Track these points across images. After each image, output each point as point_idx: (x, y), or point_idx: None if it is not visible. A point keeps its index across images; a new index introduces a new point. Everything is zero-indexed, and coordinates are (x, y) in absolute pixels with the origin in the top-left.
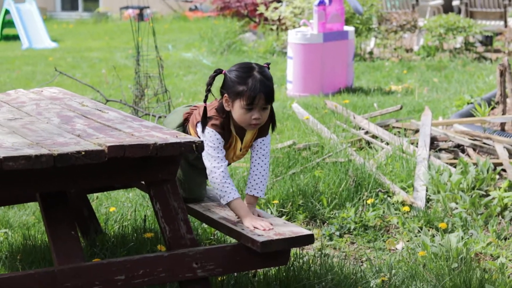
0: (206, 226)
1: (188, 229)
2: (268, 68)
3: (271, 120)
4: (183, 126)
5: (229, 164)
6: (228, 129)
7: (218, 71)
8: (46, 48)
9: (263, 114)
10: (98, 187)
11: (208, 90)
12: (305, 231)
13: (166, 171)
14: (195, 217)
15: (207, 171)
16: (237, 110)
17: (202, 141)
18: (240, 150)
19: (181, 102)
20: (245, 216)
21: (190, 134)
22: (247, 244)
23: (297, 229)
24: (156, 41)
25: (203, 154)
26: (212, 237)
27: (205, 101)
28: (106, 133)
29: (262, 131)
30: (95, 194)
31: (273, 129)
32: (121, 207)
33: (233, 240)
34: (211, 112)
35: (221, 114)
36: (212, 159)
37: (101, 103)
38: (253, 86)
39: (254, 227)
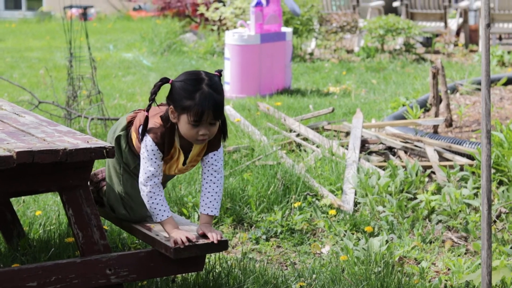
0: None
1: (101, 235)
2: (220, 76)
3: (222, 131)
4: (127, 130)
5: (171, 177)
6: (170, 140)
7: (164, 80)
8: None
9: (211, 129)
10: (12, 192)
11: (152, 99)
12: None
13: (78, 176)
14: (108, 220)
15: (139, 183)
16: (183, 125)
17: (112, 147)
18: (184, 164)
19: (116, 104)
20: (170, 232)
21: (132, 138)
22: (161, 250)
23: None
24: (90, 42)
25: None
26: (137, 241)
27: (147, 110)
28: (18, 138)
29: (212, 145)
30: (22, 198)
31: (224, 139)
32: (48, 211)
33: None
34: (154, 119)
35: (165, 123)
36: (143, 171)
37: (19, 107)
38: (201, 102)
39: (175, 242)
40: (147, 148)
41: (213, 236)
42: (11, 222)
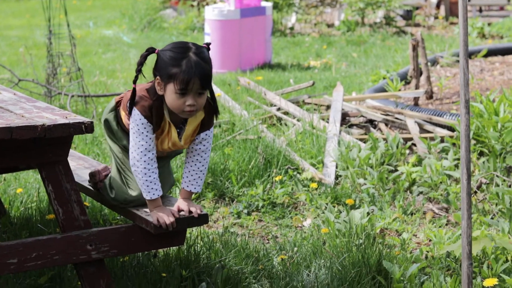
0: None
1: (81, 210)
2: (208, 49)
3: (214, 108)
4: (116, 111)
5: (166, 154)
6: (158, 113)
7: (151, 50)
8: None
9: (198, 100)
10: None
11: (139, 71)
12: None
13: (57, 152)
14: (91, 197)
15: (130, 160)
16: (170, 95)
17: (91, 122)
18: (181, 140)
19: (96, 81)
20: (151, 210)
21: (122, 118)
22: (142, 225)
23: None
24: (70, 20)
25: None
26: (118, 217)
27: (134, 82)
28: None
29: (206, 124)
30: (3, 176)
31: (216, 117)
32: (29, 188)
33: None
34: (140, 93)
35: (151, 96)
36: (136, 147)
37: None
38: (187, 69)
39: (158, 221)
40: (136, 122)
41: (194, 210)
42: None
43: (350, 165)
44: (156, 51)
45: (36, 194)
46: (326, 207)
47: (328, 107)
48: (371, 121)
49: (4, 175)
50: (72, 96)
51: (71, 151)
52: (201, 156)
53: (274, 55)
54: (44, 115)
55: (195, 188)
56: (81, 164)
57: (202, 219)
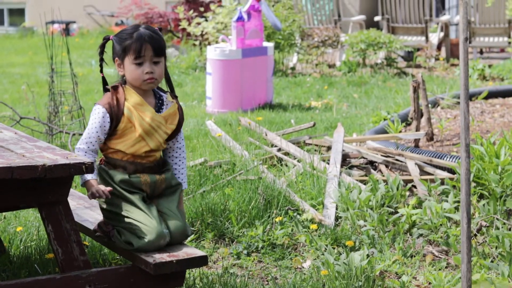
0: None
1: (81, 251)
2: (160, 30)
3: (169, 86)
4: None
5: (153, 160)
6: (118, 103)
7: (107, 38)
8: None
9: (155, 69)
10: None
11: (101, 59)
12: (199, 253)
13: (57, 192)
14: (89, 236)
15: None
16: (128, 69)
17: (92, 162)
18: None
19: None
20: (88, 190)
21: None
22: (141, 266)
23: (191, 251)
24: (72, 57)
25: None
26: (118, 257)
27: (100, 71)
28: None
29: (180, 118)
30: (3, 214)
31: (171, 90)
32: (29, 227)
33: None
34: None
35: (114, 89)
36: (86, 132)
37: None
38: (138, 37)
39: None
40: (93, 113)
41: None
42: None
43: (350, 207)
44: (111, 37)
45: (36, 232)
46: (326, 249)
47: (329, 148)
48: (371, 163)
49: (4, 213)
50: (74, 134)
51: (72, 190)
52: (180, 154)
53: (275, 95)
54: (45, 155)
55: (186, 184)
56: (81, 204)
57: (202, 260)
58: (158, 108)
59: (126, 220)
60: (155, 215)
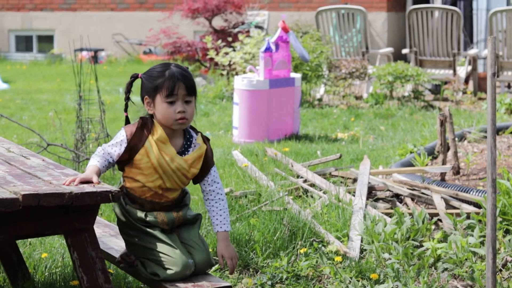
0: None
1: (106, 278)
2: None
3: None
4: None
5: (171, 199)
6: (141, 133)
7: (135, 76)
8: None
9: (187, 108)
10: (18, 234)
11: (127, 98)
12: (224, 283)
13: (84, 220)
14: (114, 264)
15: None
16: (159, 107)
17: (118, 191)
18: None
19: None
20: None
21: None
22: None
23: (215, 281)
24: (100, 85)
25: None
26: (142, 286)
27: (125, 110)
28: (25, 181)
29: (209, 157)
30: (28, 240)
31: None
32: (54, 253)
33: None
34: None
35: (143, 121)
36: (106, 145)
37: (27, 150)
38: (171, 76)
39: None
40: (116, 135)
41: (232, 265)
42: (17, 264)
43: (375, 239)
44: (139, 75)
45: (61, 259)
46: (350, 281)
47: (355, 180)
48: (397, 195)
49: (29, 239)
50: None
51: (97, 218)
52: (221, 194)
53: (302, 126)
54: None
55: (227, 227)
56: (106, 232)
57: None
58: (185, 149)
59: (150, 252)
60: (179, 245)
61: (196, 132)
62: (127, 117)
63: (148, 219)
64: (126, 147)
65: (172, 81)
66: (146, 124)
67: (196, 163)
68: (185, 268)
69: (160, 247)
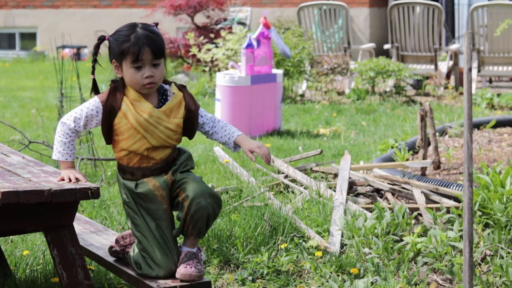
0: None
1: (86, 275)
2: (156, 26)
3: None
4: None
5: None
6: (115, 98)
7: (102, 37)
8: None
9: (155, 72)
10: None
11: (94, 60)
12: (204, 279)
13: (63, 217)
14: (95, 260)
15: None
16: (127, 73)
17: (98, 188)
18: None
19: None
20: (62, 170)
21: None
22: None
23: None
24: (82, 82)
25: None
26: (123, 282)
27: (92, 72)
28: (4, 178)
29: (192, 104)
30: (10, 237)
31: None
32: (36, 250)
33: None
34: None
35: (114, 85)
36: (74, 111)
37: (7, 147)
38: (136, 41)
39: (62, 179)
40: (88, 101)
41: (263, 153)
42: None
43: (355, 234)
44: (107, 37)
45: (42, 256)
46: (330, 276)
47: (336, 175)
48: (378, 190)
49: (11, 237)
50: (82, 159)
51: (78, 214)
52: (218, 121)
53: (284, 122)
54: (52, 179)
55: (240, 131)
56: (87, 229)
57: (206, 286)
58: (162, 103)
59: (143, 242)
60: (171, 248)
61: (169, 83)
62: (94, 80)
63: (138, 190)
64: (102, 112)
65: (138, 46)
66: (118, 87)
67: (176, 112)
68: (167, 274)
69: (151, 244)
